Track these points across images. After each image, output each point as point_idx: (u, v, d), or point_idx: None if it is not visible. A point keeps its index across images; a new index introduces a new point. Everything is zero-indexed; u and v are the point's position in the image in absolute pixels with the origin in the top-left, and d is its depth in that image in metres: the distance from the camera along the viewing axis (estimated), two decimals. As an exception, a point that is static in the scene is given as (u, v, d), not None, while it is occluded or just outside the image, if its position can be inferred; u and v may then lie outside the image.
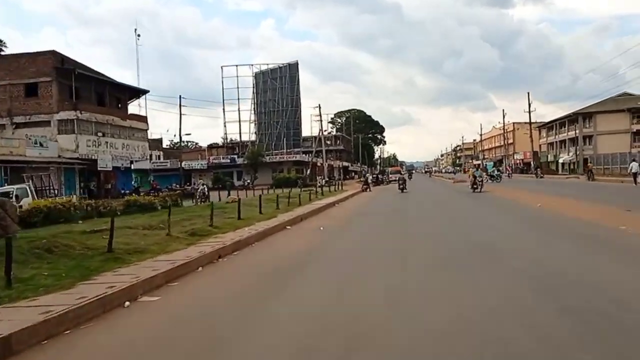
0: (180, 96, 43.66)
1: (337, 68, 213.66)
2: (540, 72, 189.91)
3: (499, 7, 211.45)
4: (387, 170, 72.03)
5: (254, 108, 62.98)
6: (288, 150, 58.82)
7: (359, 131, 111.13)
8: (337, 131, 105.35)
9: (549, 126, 77.19)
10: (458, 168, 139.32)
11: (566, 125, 68.07)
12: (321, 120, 54.89)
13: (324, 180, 50.57)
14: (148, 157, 40.51)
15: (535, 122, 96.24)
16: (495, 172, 44.28)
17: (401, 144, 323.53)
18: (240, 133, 62.89)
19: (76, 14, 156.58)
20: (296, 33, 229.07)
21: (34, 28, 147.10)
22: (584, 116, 62.73)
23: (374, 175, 55.73)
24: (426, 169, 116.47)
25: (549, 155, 75.58)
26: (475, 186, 26.36)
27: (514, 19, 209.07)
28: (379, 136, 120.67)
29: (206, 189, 26.45)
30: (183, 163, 59.78)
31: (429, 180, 59.43)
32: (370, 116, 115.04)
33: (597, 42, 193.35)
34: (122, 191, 36.54)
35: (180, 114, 43.04)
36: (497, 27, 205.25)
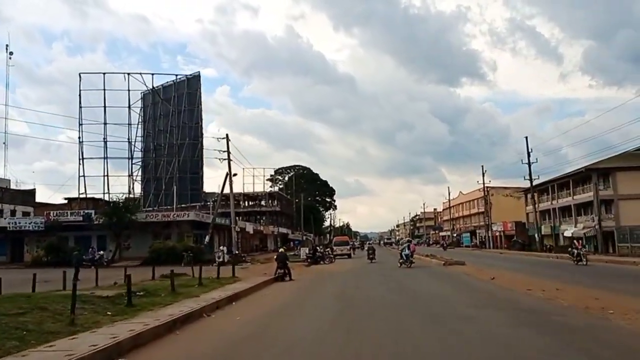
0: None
1: (291, 136, 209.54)
2: (488, 149, 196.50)
3: (447, 85, 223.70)
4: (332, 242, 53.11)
5: (142, 139, 42.57)
6: (182, 206, 38.52)
7: (305, 192, 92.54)
8: (280, 190, 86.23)
9: (540, 189, 60.94)
10: (418, 239, 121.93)
11: (570, 187, 51.62)
12: (229, 159, 35.05)
13: (224, 255, 30.38)
14: None
15: (510, 188, 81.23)
16: (406, 250, 27.04)
17: (355, 214, 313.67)
18: (106, 177, 41.84)
19: (26, 72, 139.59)
20: (250, 100, 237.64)
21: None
22: (598, 173, 46.46)
23: (310, 250, 36.05)
24: (385, 240, 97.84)
25: (542, 227, 58.46)
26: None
27: (461, 97, 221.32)
28: (328, 199, 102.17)
29: None
30: (7, 221, 38.11)
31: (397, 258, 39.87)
32: (317, 174, 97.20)
33: (538, 123, 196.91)
34: None
35: None
36: (445, 104, 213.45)
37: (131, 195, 39.01)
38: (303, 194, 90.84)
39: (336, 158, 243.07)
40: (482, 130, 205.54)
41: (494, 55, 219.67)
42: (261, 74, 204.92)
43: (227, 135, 34.74)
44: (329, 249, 38.46)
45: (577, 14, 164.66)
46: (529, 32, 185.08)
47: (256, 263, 32.74)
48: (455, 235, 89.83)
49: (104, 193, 38.34)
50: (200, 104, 41.51)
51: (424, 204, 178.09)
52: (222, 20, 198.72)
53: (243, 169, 76.27)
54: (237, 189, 69.80)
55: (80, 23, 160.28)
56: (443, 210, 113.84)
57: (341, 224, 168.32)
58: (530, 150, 45.17)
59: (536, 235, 45.21)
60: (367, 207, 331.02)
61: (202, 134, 40.86)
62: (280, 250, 20.80)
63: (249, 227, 51.40)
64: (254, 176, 70.90)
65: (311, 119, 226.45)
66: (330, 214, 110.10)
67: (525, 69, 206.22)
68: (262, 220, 66.73)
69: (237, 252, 34.39)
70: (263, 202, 68.92)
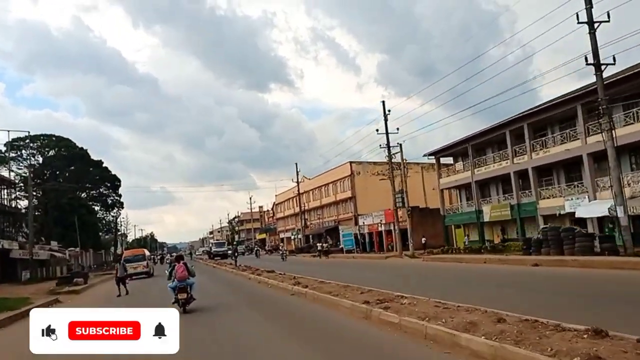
0: None
1: (84, 141, 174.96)
2: (296, 154, 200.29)
3: (255, 91, 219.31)
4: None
5: None
6: None
7: (69, 180, 55.38)
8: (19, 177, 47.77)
9: (445, 155, 37.34)
10: (238, 245, 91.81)
11: (521, 134, 28.23)
12: None
13: None
14: None
15: (380, 163, 58.00)
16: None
17: (163, 224, 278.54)
18: None
19: None
20: (32, 100, 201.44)
21: None
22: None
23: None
24: (215, 249, 64.11)
25: (486, 211, 34.96)
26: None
27: (269, 103, 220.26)
28: (108, 192, 65.30)
29: None
30: None
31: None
32: (86, 150, 59.65)
33: (340, 129, 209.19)
34: None
35: None
36: (254, 109, 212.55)
37: None
38: (57, 180, 53.90)
39: (139, 165, 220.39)
40: (290, 136, 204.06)
41: (300, 63, 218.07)
42: (45, 71, 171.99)
43: None
44: None
45: (372, 28, 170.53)
46: (329, 42, 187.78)
47: None
48: (296, 235, 62.83)
49: None
50: None
51: (250, 198, 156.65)
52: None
53: None
54: None
55: None
56: (276, 205, 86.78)
57: (144, 235, 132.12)
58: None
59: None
60: (176, 216, 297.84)
61: None
62: None
63: None
64: None
65: (108, 122, 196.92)
66: (116, 216, 72.67)
67: (327, 77, 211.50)
68: None
69: None
70: None
